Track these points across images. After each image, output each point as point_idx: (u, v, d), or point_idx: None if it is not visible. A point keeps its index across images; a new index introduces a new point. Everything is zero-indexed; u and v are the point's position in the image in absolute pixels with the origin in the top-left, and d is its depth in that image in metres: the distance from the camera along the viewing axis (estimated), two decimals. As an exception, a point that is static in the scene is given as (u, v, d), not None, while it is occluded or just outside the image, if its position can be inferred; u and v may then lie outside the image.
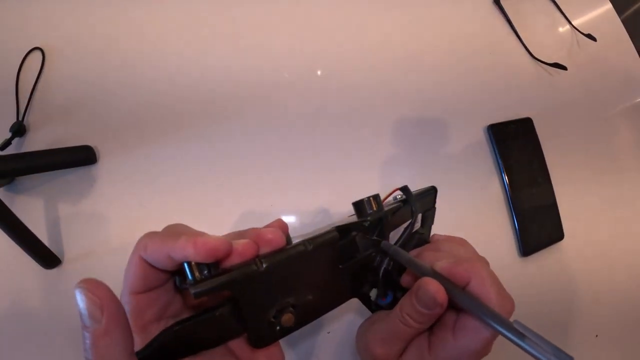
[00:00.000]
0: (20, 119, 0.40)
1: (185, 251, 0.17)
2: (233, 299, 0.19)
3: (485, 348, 0.20)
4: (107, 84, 0.42)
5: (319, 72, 0.43)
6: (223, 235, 0.20)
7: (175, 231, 0.19)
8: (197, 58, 0.43)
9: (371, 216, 0.24)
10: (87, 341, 0.16)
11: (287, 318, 0.20)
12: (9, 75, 0.42)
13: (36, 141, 0.40)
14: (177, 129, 0.40)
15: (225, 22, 0.44)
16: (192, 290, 0.17)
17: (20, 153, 0.35)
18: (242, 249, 0.18)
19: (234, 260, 0.18)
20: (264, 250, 0.19)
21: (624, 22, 0.58)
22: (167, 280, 0.20)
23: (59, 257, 0.37)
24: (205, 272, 0.17)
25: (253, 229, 0.21)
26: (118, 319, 0.16)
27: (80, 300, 0.16)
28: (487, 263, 0.27)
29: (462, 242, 0.28)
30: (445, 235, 0.30)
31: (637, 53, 0.59)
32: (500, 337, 0.18)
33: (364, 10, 0.47)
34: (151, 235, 0.19)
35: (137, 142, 0.40)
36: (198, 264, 0.17)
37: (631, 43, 0.57)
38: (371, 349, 0.23)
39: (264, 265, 0.19)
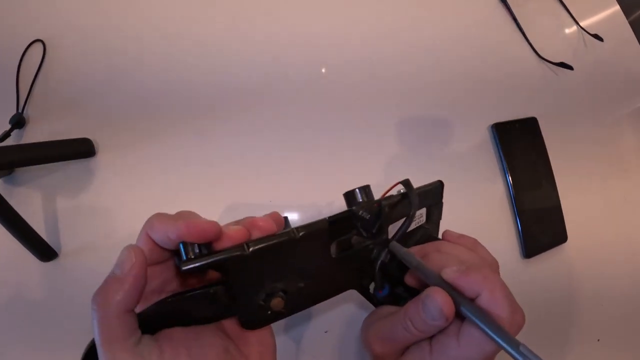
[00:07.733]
0: (20, 110, 0.40)
1: (179, 231, 0.19)
2: (226, 281, 0.20)
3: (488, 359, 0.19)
4: (107, 77, 0.41)
5: (323, 70, 0.43)
6: (223, 225, 0.21)
7: (180, 215, 0.20)
8: (198, 53, 0.42)
9: (359, 205, 0.23)
10: (103, 283, 0.18)
11: (277, 302, 0.21)
12: (9, 67, 0.41)
13: (35, 133, 0.39)
14: (176, 124, 0.40)
15: (228, 18, 0.44)
16: (181, 267, 0.18)
17: (19, 145, 0.35)
18: (233, 234, 0.20)
19: (225, 244, 0.20)
20: (256, 236, 0.21)
21: (632, 24, 0.58)
22: (168, 257, 0.21)
23: (56, 250, 0.36)
24: (197, 252, 0.19)
25: (248, 217, 0.22)
26: (137, 279, 0.18)
27: (124, 252, 0.19)
28: (497, 268, 0.26)
29: (473, 245, 0.27)
30: (457, 234, 0.27)
31: (644, 55, 0.58)
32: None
33: (368, 7, 0.47)
34: (159, 215, 0.21)
35: (136, 136, 0.39)
36: (192, 245, 0.19)
37: (638, 45, 0.57)
38: (371, 347, 0.23)
39: (250, 249, 0.20)
